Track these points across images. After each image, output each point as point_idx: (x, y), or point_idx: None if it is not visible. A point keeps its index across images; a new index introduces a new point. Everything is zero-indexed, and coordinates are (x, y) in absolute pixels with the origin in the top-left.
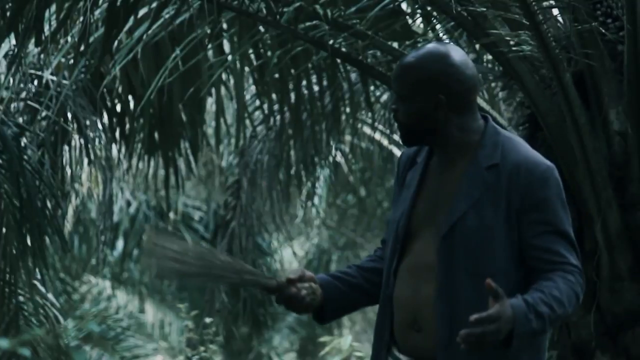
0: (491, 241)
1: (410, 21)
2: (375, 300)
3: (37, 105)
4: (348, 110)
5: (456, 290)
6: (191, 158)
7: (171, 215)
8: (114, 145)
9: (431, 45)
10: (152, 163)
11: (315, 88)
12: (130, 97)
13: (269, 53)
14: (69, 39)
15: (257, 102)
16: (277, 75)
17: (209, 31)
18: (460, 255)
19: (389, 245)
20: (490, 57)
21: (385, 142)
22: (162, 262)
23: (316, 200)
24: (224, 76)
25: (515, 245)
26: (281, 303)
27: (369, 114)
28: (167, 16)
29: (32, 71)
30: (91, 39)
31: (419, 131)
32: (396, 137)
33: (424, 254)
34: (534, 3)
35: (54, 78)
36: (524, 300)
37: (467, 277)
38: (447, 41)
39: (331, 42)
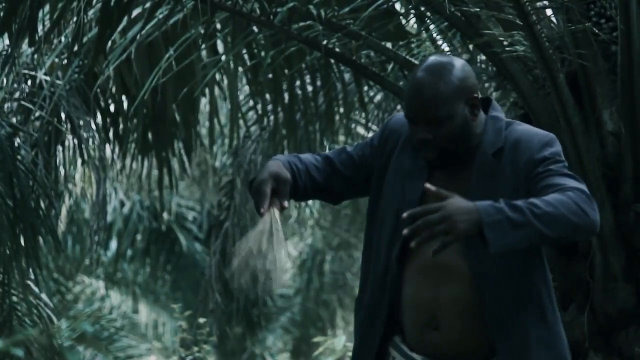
0: None
1: (404, 22)
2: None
3: (30, 106)
4: (342, 110)
5: (487, 280)
6: (185, 158)
7: (165, 215)
8: (107, 146)
9: (433, 61)
10: (146, 163)
11: (309, 88)
12: (124, 98)
13: (263, 53)
14: (63, 39)
15: (251, 103)
16: (271, 76)
17: (202, 31)
18: (485, 252)
19: (387, 227)
20: (484, 57)
21: None
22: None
23: (310, 200)
24: (217, 76)
25: None
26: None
27: (363, 115)
28: (160, 16)
29: (26, 71)
30: (85, 40)
31: (462, 144)
32: None
33: (442, 255)
34: (527, 3)
35: (48, 78)
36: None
37: (495, 266)
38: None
39: (325, 42)
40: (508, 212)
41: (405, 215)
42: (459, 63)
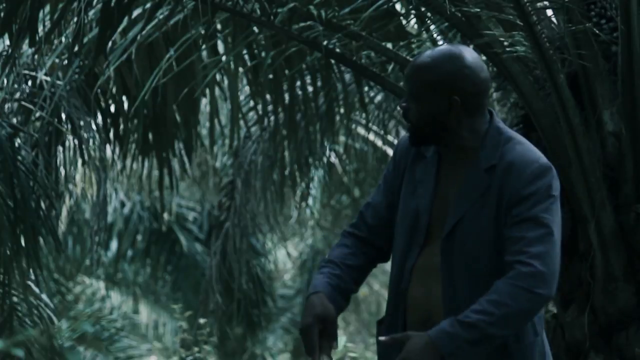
0: (485, 241)
1: (404, 22)
2: None
3: (31, 106)
4: (342, 110)
5: (457, 290)
6: (185, 159)
7: (165, 216)
8: (108, 146)
9: (445, 47)
10: (146, 164)
11: (310, 89)
12: (124, 98)
13: (263, 54)
14: (63, 39)
15: (251, 103)
16: (271, 76)
17: (203, 32)
18: (459, 256)
19: (402, 238)
20: (484, 57)
21: (379, 142)
22: None
23: (310, 200)
24: (218, 77)
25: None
26: None
27: (363, 115)
28: (161, 17)
29: (26, 72)
30: (85, 40)
31: (430, 131)
32: (390, 137)
33: (432, 255)
34: (528, 4)
35: (48, 78)
36: (449, 320)
37: (466, 277)
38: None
39: (325, 42)
40: (463, 335)
41: None
42: (468, 63)
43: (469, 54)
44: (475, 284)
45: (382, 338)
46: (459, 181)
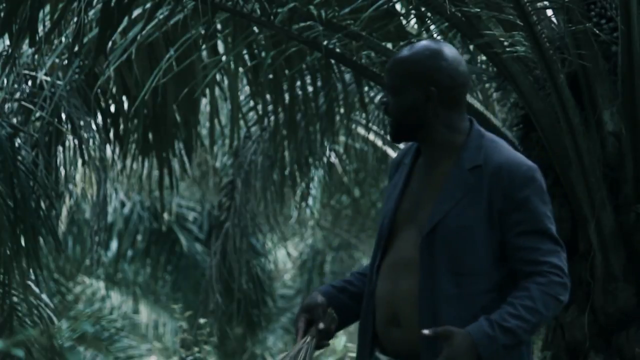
0: (471, 241)
1: (404, 22)
2: None
3: (31, 106)
4: (342, 110)
5: (437, 287)
6: (185, 159)
7: (165, 215)
8: (108, 146)
9: (425, 42)
10: (146, 164)
11: (310, 89)
12: (124, 98)
13: (263, 54)
14: (63, 39)
15: (251, 103)
16: (271, 76)
17: (203, 32)
18: (441, 254)
19: (375, 243)
20: (484, 57)
21: (379, 142)
22: None
23: (310, 200)
24: (218, 77)
25: (496, 245)
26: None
27: (363, 115)
28: (161, 17)
29: (26, 72)
30: (85, 40)
31: (408, 125)
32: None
33: (403, 251)
34: (528, 4)
35: (48, 78)
36: (487, 320)
37: (448, 275)
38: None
39: (325, 42)
40: (502, 339)
41: None
42: (446, 56)
43: (448, 49)
44: (458, 282)
45: (425, 331)
46: (437, 180)
